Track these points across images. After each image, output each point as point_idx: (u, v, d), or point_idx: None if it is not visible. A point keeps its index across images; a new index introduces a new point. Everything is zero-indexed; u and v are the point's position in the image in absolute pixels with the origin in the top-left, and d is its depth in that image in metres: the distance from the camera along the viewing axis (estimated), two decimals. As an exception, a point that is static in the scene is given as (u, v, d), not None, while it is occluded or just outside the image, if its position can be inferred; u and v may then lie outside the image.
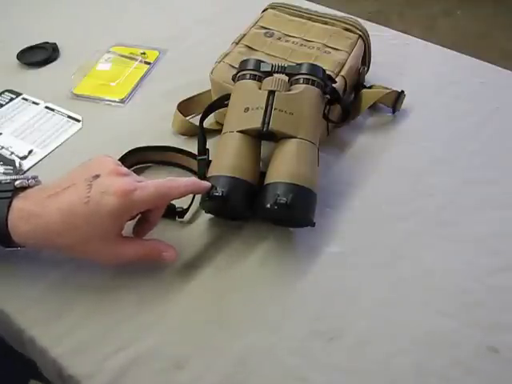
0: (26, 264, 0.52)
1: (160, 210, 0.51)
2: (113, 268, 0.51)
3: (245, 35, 0.68)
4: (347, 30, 0.67)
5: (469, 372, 0.45)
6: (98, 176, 0.46)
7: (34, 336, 0.47)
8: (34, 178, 0.48)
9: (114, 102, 0.71)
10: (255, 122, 0.53)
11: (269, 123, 0.52)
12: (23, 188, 0.47)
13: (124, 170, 0.48)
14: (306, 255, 0.53)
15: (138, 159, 0.60)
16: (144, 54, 0.78)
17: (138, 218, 0.51)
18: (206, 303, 0.49)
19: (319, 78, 0.55)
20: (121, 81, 0.74)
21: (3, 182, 0.47)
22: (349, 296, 0.50)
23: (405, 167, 0.62)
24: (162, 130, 0.65)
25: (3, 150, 0.64)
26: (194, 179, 0.51)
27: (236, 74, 0.58)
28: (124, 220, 0.47)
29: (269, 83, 0.54)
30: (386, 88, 0.67)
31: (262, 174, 0.53)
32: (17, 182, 0.46)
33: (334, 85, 0.58)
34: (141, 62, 0.77)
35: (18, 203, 0.45)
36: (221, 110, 0.59)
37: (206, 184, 0.50)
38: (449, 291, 0.50)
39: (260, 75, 0.56)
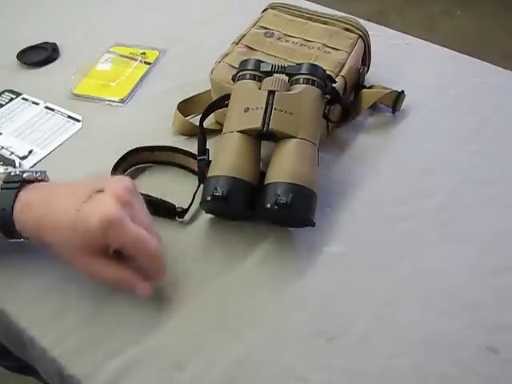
0: (26, 264, 0.52)
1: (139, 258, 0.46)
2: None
3: (245, 35, 0.68)
4: (347, 29, 0.67)
5: (469, 372, 0.45)
6: (101, 191, 0.46)
7: (34, 336, 0.47)
8: (42, 172, 0.50)
9: (114, 102, 0.71)
10: (255, 122, 0.53)
11: (269, 123, 0.52)
12: (31, 181, 0.48)
13: (127, 197, 0.45)
14: (306, 255, 0.53)
15: (138, 159, 0.60)
16: (144, 53, 0.78)
17: None
18: (205, 303, 0.49)
19: (319, 77, 0.55)
20: (121, 81, 0.74)
21: (12, 173, 0.48)
22: (349, 296, 0.50)
23: (405, 167, 0.62)
24: (162, 130, 0.65)
25: (3, 150, 0.64)
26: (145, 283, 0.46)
27: (236, 73, 0.58)
28: (101, 243, 0.44)
29: (269, 83, 0.54)
30: (386, 88, 0.67)
31: (262, 174, 0.53)
32: (25, 175, 0.48)
33: (333, 85, 0.58)
34: (141, 61, 0.77)
35: (25, 194, 0.47)
36: (221, 109, 0.59)
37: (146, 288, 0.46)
38: (449, 291, 0.50)
39: (260, 75, 0.56)
